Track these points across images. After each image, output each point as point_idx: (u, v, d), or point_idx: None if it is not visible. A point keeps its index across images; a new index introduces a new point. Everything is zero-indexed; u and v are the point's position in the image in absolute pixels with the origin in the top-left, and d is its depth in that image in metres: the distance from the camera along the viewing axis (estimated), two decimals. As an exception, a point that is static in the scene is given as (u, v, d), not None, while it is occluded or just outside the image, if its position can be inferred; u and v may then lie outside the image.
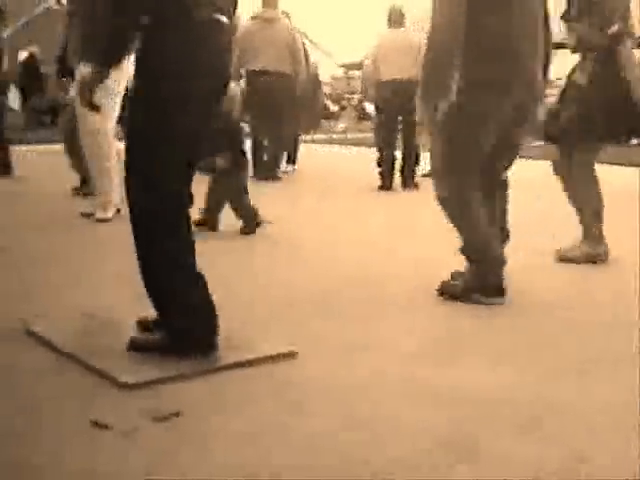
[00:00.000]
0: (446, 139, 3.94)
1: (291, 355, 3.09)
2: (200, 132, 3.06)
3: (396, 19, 8.70)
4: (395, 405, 2.65)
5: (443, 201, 3.98)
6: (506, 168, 4.16)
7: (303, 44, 9.55)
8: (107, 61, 2.95)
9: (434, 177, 4.08)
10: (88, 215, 6.19)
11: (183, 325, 3.03)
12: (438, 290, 4.04)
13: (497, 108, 3.86)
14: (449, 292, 4.00)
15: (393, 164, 8.75)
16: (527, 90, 3.91)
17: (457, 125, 3.87)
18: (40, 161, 11.20)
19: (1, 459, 2.25)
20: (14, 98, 20.27)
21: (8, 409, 2.59)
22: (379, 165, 8.74)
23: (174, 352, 2.99)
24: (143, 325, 3.28)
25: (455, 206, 3.95)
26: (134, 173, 3.00)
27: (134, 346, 3.08)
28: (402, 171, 8.81)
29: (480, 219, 3.92)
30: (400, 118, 8.72)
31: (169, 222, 3.02)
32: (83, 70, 6.05)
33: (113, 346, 3.12)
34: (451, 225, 4.00)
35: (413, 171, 8.78)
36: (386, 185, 8.67)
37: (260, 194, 8.16)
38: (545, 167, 4.82)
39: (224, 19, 2.96)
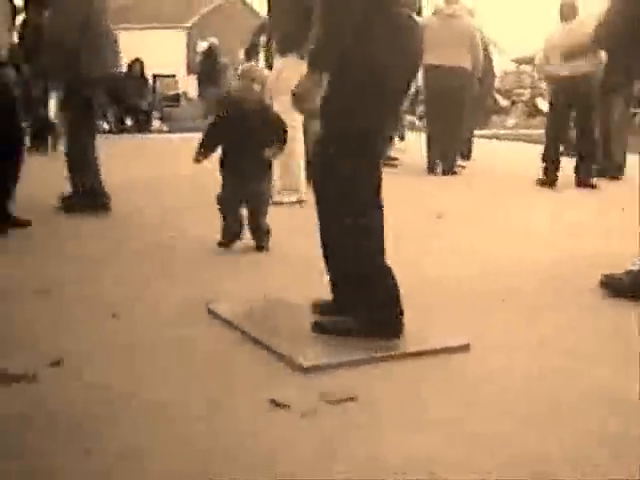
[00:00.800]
0: None
1: (464, 348, 3.10)
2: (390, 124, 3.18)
3: (568, 12, 8.40)
4: (566, 404, 2.62)
5: None
6: None
7: (483, 40, 9.49)
8: (327, 63, 2.98)
9: None
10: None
11: (371, 310, 3.12)
12: (601, 282, 4.01)
13: None
14: (613, 286, 3.95)
15: (558, 160, 8.52)
16: None
17: None
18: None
19: (183, 438, 2.37)
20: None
21: (190, 388, 2.72)
22: (544, 160, 8.58)
23: (359, 336, 3.08)
24: (319, 308, 3.38)
25: None
26: (333, 159, 3.07)
27: (319, 328, 3.17)
28: (577, 169, 8.56)
29: None
30: (574, 114, 8.54)
31: (368, 207, 3.10)
32: (278, 63, 6.36)
33: (291, 328, 3.23)
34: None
35: (589, 169, 8.53)
36: (548, 181, 8.48)
37: (434, 188, 8.21)
38: None
39: (417, 16, 3.04)
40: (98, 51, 5.74)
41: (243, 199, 4.77)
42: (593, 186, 8.33)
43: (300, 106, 3.03)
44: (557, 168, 8.50)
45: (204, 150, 4.68)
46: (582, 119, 8.47)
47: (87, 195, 5.97)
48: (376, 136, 3.13)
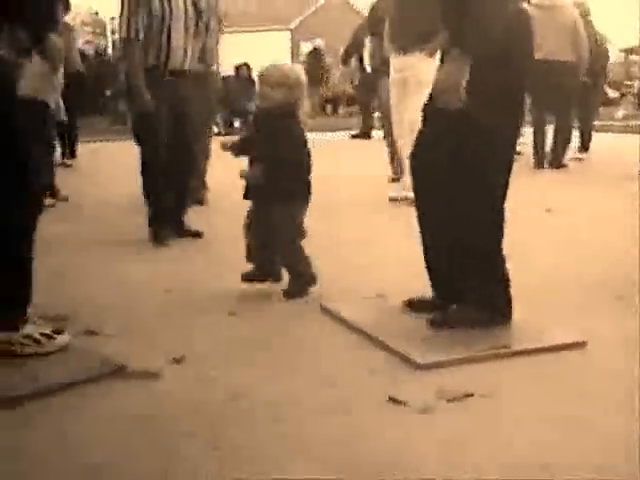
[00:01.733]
0: None
1: (580, 345, 3.07)
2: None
3: None
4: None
5: None
6: None
7: (594, 31, 9.30)
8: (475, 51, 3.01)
9: None
10: (395, 200, 6.45)
11: (487, 296, 3.23)
12: None
13: None
14: None
15: None
16: None
17: None
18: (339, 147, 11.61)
19: (300, 436, 2.43)
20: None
21: (306, 385, 2.77)
22: None
23: (474, 324, 3.18)
24: (413, 306, 3.46)
25: None
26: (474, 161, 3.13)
27: (436, 324, 3.23)
28: None
29: None
30: None
31: (500, 205, 3.21)
32: (395, 61, 6.36)
33: (405, 325, 3.27)
34: None
35: None
36: None
37: (542, 182, 8.09)
38: None
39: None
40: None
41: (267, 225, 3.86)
42: None
43: (450, 97, 2.99)
44: None
45: (233, 150, 3.95)
46: None
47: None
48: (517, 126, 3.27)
